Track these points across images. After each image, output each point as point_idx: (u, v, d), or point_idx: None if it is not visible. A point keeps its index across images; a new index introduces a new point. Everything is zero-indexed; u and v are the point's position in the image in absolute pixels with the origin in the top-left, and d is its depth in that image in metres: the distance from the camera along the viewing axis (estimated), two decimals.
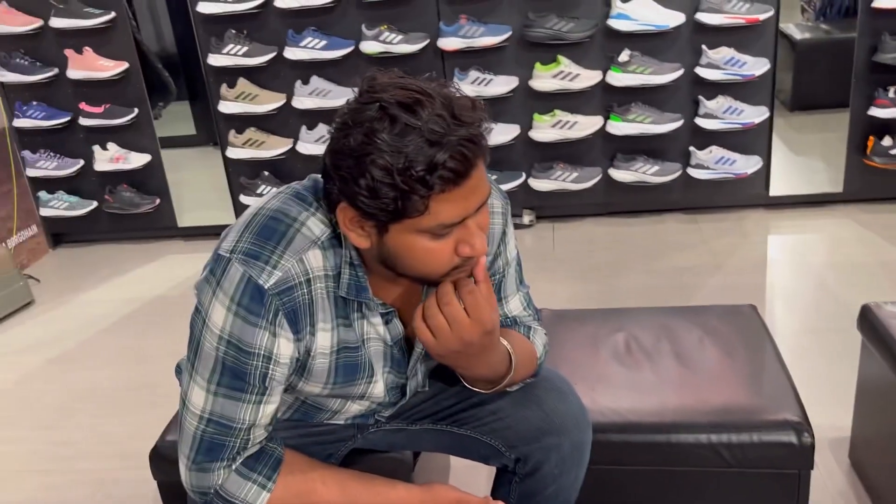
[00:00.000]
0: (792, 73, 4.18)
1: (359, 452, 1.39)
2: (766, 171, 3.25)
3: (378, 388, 1.20)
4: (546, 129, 3.21)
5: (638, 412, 1.46)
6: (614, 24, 3.04)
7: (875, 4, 2.95)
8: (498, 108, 3.20)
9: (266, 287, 1.01)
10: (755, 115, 3.11)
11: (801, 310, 2.64)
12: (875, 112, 3.07)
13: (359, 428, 1.35)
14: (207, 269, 1.06)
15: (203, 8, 3.18)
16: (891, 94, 3.04)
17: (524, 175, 3.31)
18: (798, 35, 4.25)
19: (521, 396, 1.27)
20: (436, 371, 1.30)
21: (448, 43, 3.09)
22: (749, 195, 3.30)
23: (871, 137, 3.12)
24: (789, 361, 1.67)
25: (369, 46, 3.14)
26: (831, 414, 1.93)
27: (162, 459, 1.48)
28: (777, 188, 3.30)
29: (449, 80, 3.23)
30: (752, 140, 3.19)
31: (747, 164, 3.18)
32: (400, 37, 3.12)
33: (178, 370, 1.41)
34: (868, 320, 1.73)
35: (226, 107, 3.33)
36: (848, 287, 2.66)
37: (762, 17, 2.99)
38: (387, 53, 3.14)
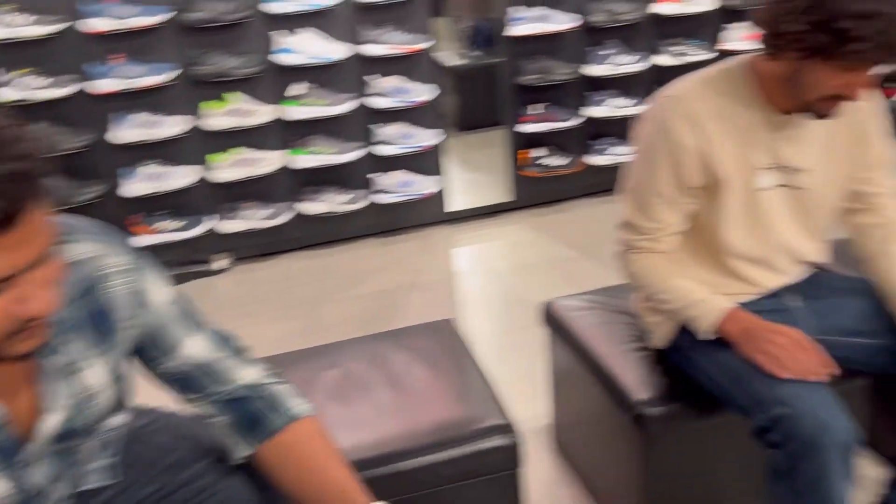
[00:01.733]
0: (454, 98, 4.53)
1: None
2: (445, 189, 3.46)
3: None
4: (225, 169, 3.08)
5: (359, 449, 1.43)
6: (279, 58, 3.02)
7: (506, 33, 3.29)
8: (173, 150, 3.01)
9: None
10: (429, 137, 3.30)
11: (493, 314, 2.84)
12: (522, 128, 3.43)
13: None
14: None
15: None
16: (532, 111, 3.41)
17: (212, 218, 3.15)
18: (454, 62, 4.62)
19: (229, 466, 1.16)
20: (132, 458, 1.14)
21: (102, 85, 2.83)
22: (432, 213, 3.49)
23: (524, 151, 3.48)
24: (490, 365, 1.77)
25: (6, 94, 2.75)
26: (534, 406, 2.10)
27: None
28: (456, 203, 3.53)
29: (111, 125, 2.92)
30: (429, 161, 3.38)
31: (427, 185, 3.37)
32: (49, 80, 2.79)
33: None
34: (549, 315, 1.91)
35: None
36: (529, 286, 2.93)
37: (422, 46, 3.18)
38: (27, 101, 2.78)
